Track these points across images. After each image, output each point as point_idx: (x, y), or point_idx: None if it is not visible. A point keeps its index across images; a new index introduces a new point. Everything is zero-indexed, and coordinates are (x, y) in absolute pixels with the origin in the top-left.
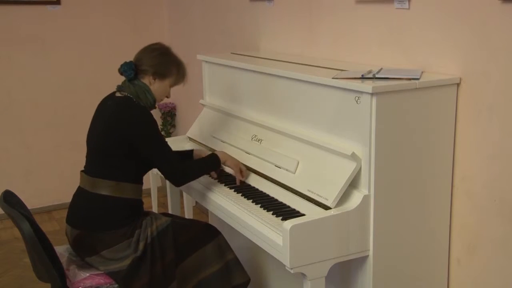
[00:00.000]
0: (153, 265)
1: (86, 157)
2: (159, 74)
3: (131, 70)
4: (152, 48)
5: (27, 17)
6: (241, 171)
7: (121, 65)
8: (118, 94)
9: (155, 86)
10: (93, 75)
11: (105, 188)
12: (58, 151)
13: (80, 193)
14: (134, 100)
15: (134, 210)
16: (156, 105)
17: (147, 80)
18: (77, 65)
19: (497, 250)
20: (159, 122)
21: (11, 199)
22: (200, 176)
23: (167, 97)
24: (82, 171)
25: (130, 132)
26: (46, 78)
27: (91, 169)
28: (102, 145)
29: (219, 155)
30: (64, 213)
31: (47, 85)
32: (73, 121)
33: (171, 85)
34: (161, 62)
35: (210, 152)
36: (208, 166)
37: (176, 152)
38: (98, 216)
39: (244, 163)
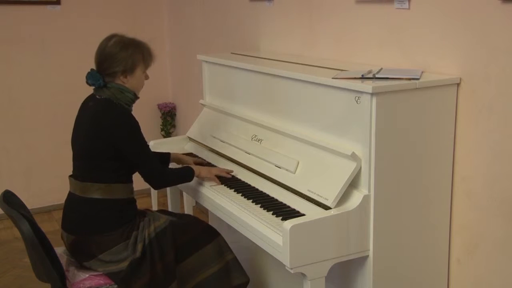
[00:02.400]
0: (152, 266)
1: (73, 161)
2: (128, 70)
3: (99, 80)
4: (108, 48)
5: (27, 17)
6: (219, 176)
7: (86, 77)
8: (97, 96)
9: (129, 82)
10: None
11: (95, 192)
12: (58, 151)
13: (71, 199)
14: (114, 101)
15: (128, 209)
16: (138, 96)
17: (119, 80)
18: (77, 65)
19: (497, 250)
20: (159, 122)
21: (11, 199)
22: (175, 184)
23: (146, 79)
24: (70, 176)
25: (112, 134)
26: (46, 78)
27: (79, 173)
28: (87, 148)
29: (194, 168)
30: None
31: (47, 85)
32: (73, 121)
33: (144, 71)
34: (124, 58)
35: (186, 156)
36: (183, 176)
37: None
38: (92, 220)
39: (244, 163)
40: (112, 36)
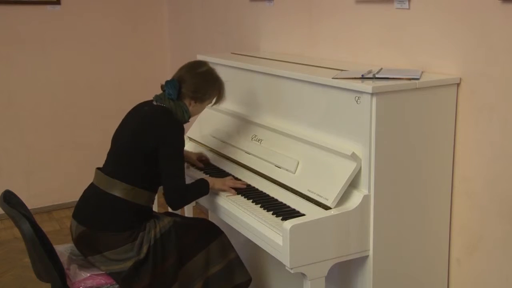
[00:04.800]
0: (154, 268)
1: (108, 155)
2: (200, 99)
3: (175, 92)
4: (196, 73)
5: (27, 17)
6: (232, 186)
7: (166, 83)
8: (155, 103)
9: (194, 107)
10: (93, 75)
11: (119, 190)
12: (58, 151)
13: (92, 190)
14: (173, 112)
15: (142, 215)
16: (190, 119)
17: (187, 101)
18: (77, 65)
19: (497, 250)
20: None
21: (11, 199)
22: (193, 201)
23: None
24: (98, 168)
25: (157, 138)
26: (46, 78)
27: (109, 168)
28: (129, 147)
29: (208, 181)
30: (64, 213)
31: (47, 85)
32: (73, 121)
33: (208, 104)
34: (204, 88)
35: (188, 151)
36: (201, 191)
37: None
38: (106, 216)
39: (244, 163)
40: (203, 64)
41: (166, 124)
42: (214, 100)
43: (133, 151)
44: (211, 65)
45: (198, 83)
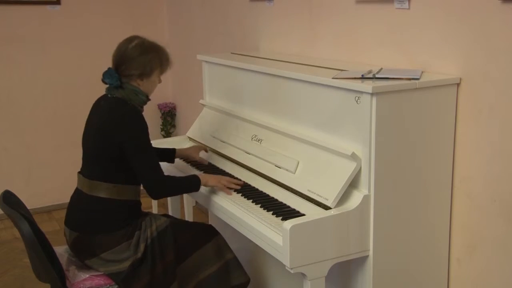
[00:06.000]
0: (153, 266)
1: (82, 158)
2: (145, 74)
3: (116, 80)
4: (129, 51)
5: (27, 17)
6: (228, 186)
7: (103, 75)
8: (109, 95)
9: (144, 85)
10: (93, 75)
11: (102, 191)
12: (58, 151)
13: (77, 195)
14: (127, 101)
15: (132, 211)
16: (150, 98)
17: (134, 82)
18: (77, 65)
19: (497, 250)
20: (159, 122)
21: (11, 199)
22: (178, 194)
23: (159, 82)
24: (79, 172)
25: (118, 134)
26: (46, 78)
27: (87, 171)
28: (96, 147)
29: (200, 177)
30: (64, 213)
31: (47, 85)
32: (73, 120)
33: (159, 75)
34: (143, 62)
35: (192, 152)
36: (188, 186)
37: (157, 149)
38: (96, 219)
39: (244, 163)
40: (133, 39)
41: (122, 114)
42: (160, 70)
43: (101, 151)
44: (141, 36)
45: (134, 61)
